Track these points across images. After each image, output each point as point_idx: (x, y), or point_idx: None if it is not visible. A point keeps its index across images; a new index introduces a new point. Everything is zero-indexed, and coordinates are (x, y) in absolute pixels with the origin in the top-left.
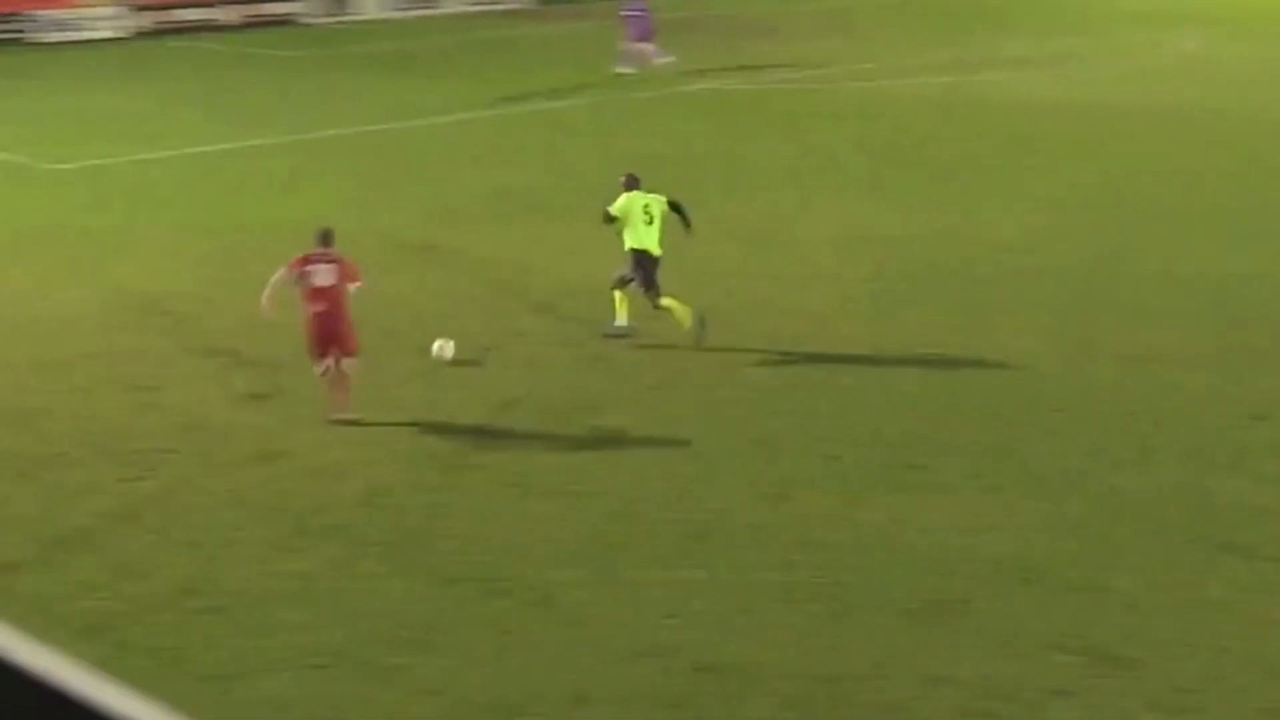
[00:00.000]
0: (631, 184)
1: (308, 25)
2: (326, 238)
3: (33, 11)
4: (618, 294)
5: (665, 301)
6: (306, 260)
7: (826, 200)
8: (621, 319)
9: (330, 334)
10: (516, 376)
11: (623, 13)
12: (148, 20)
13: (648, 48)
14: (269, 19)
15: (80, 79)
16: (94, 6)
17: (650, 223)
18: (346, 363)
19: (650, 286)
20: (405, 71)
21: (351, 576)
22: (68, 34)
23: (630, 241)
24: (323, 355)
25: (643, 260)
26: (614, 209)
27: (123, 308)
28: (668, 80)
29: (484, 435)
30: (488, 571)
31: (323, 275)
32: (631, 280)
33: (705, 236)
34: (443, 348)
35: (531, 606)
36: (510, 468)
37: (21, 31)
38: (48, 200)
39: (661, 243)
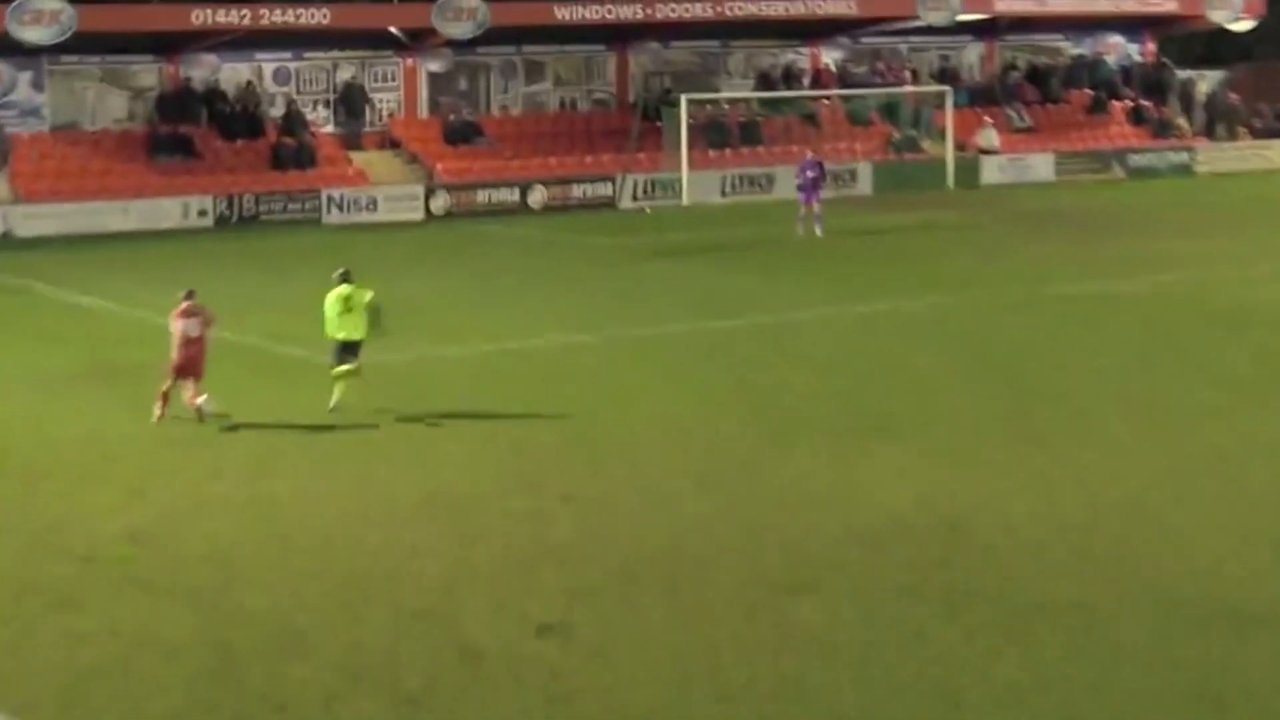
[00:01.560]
0: None
1: (629, 210)
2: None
3: (327, 189)
4: None
5: None
6: None
7: None
8: None
9: None
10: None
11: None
12: (446, 201)
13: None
14: (584, 202)
15: (370, 264)
16: (393, 184)
17: None
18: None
19: None
20: (732, 262)
21: None
22: (364, 215)
23: None
24: None
25: None
26: None
27: (411, 509)
28: (1033, 279)
29: None
30: None
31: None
32: None
33: None
34: None
35: None
36: None
37: (314, 210)
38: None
39: None
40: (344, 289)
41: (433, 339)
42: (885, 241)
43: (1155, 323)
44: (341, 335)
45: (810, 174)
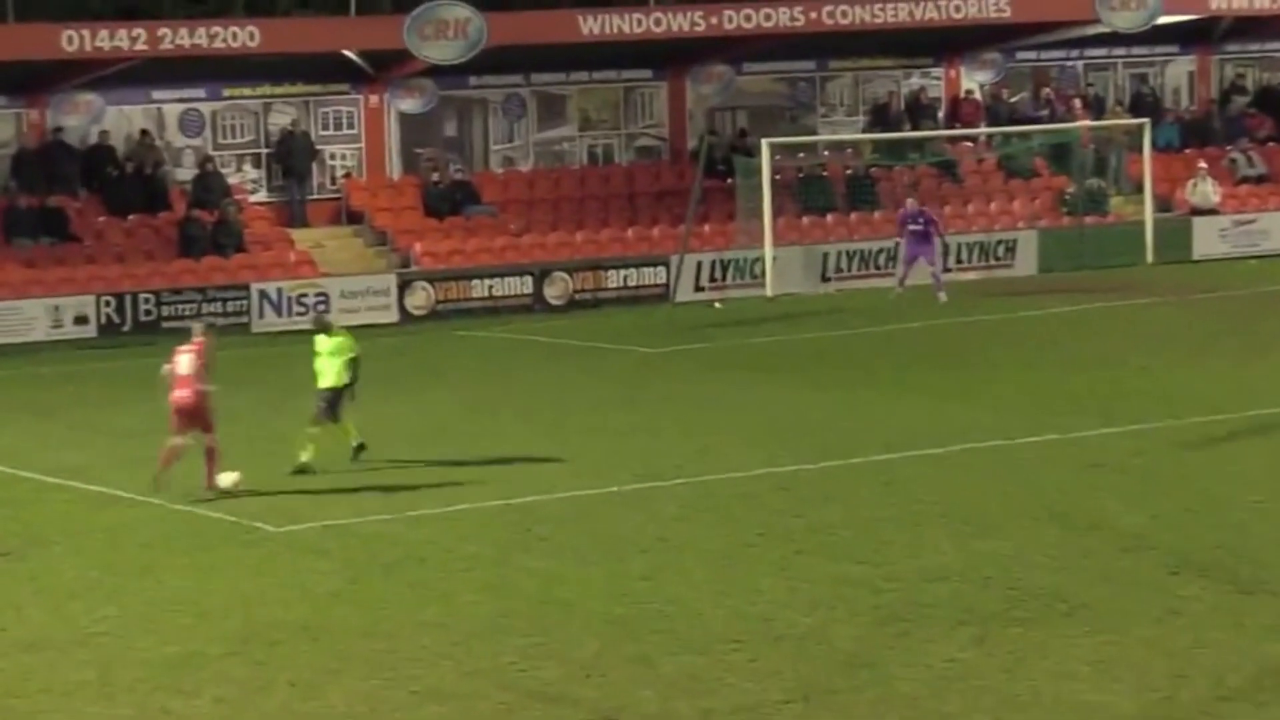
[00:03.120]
0: None
1: (690, 305)
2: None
3: (258, 283)
4: None
5: None
6: None
7: None
8: None
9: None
10: None
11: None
12: (428, 297)
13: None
14: (625, 295)
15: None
16: (352, 274)
17: None
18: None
19: None
20: (839, 374)
21: None
22: (307, 320)
23: None
24: None
25: None
26: None
27: None
28: (1265, 397)
29: None
30: None
31: None
32: None
33: None
34: None
35: None
36: None
37: (240, 313)
38: (275, 583)
39: None
40: (319, 338)
41: (405, 492)
42: (1053, 338)
43: None
44: (322, 384)
45: (913, 228)
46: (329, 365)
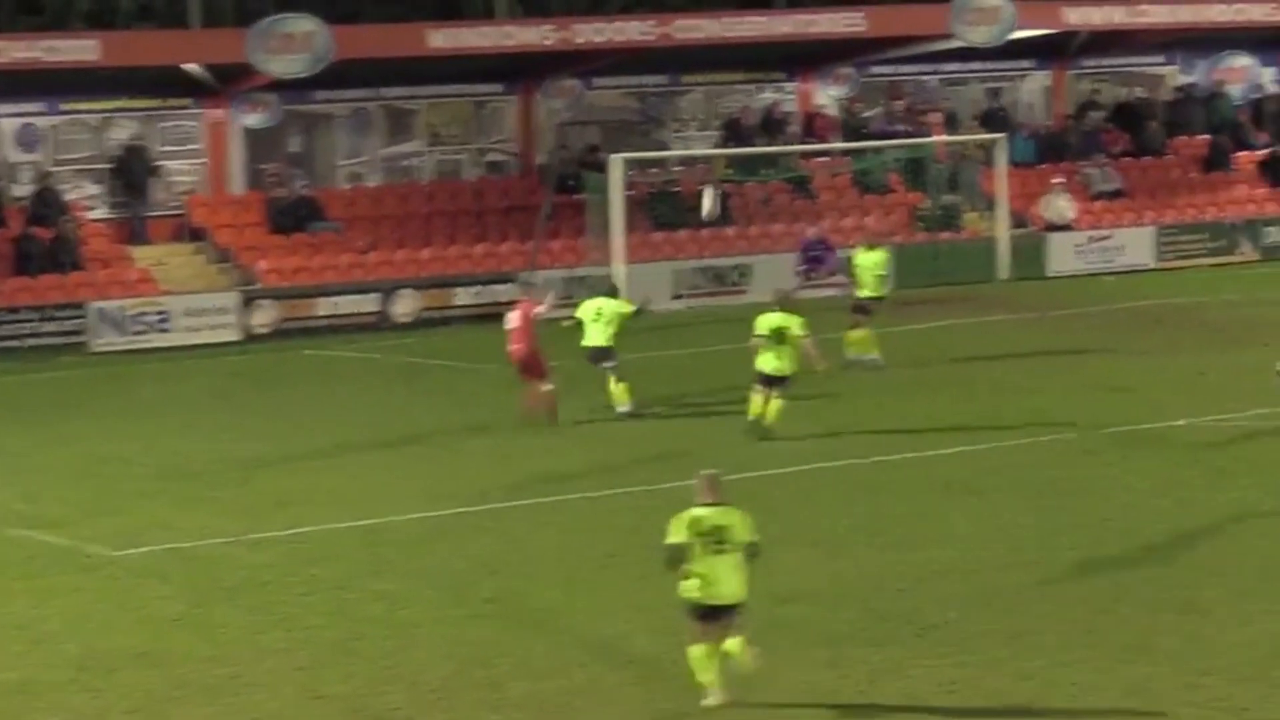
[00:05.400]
0: None
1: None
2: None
3: (96, 301)
4: None
5: None
6: None
7: None
8: None
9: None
10: None
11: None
12: (273, 315)
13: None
14: (474, 313)
15: (159, 408)
16: (194, 292)
17: None
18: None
19: None
20: (694, 392)
21: None
22: (151, 339)
23: None
24: None
25: None
26: None
27: None
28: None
29: None
30: None
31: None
32: None
33: None
34: None
35: None
36: None
37: (77, 332)
38: (113, 608)
39: None
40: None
41: (247, 514)
42: (907, 356)
43: None
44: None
45: (812, 255)
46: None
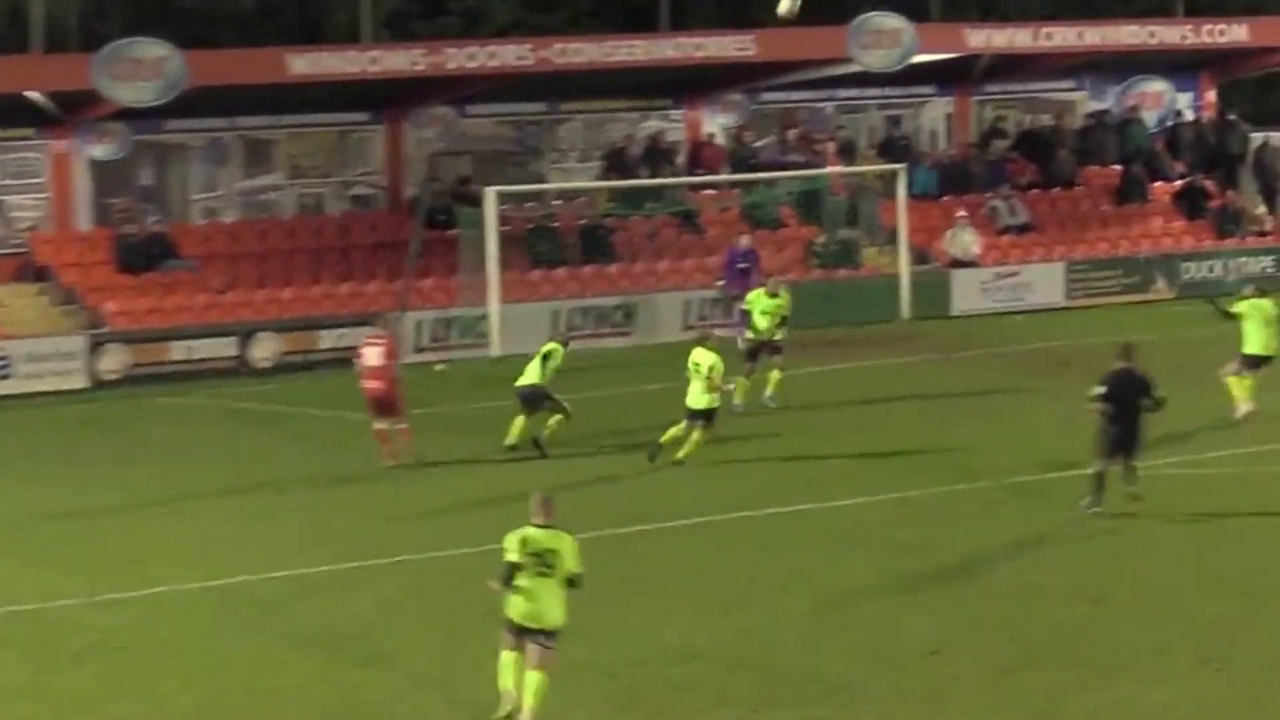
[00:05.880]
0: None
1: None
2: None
3: None
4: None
5: None
6: None
7: None
8: None
9: None
10: None
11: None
12: (123, 360)
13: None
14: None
15: None
16: (36, 335)
17: None
18: None
19: None
20: (577, 442)
21: None
22: None
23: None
24: None
25: None
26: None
27: None
28: (1025, 461)
29: None
30: None
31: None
32: None
33: None
34: None
35: None
36: None
37: None
38: None
39: None
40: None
41: (97, 574)
42: (803, 401)
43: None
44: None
45: (740, 266)
46: None
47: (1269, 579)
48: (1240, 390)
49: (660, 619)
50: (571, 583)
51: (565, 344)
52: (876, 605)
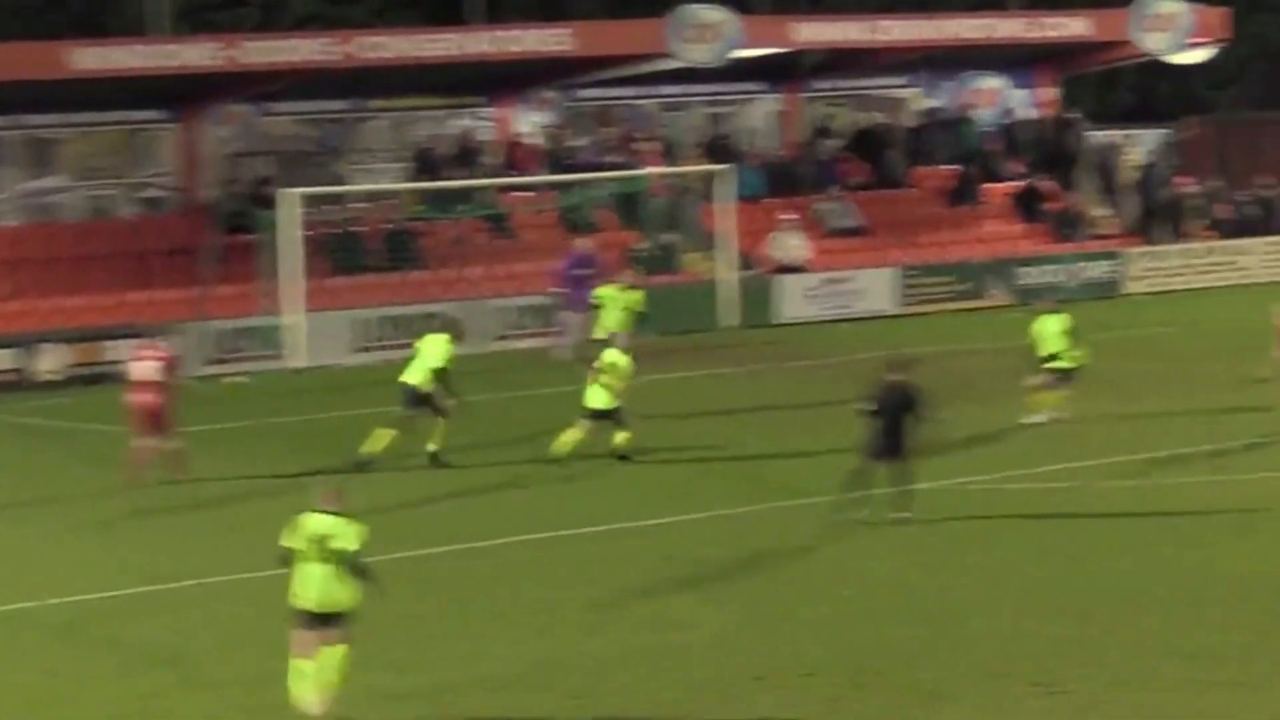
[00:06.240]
0: None
1: (205, 380)
2: None
3: None
4: None
5: None
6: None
7: None
8: None
9: None
10: None
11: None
12: None
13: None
14: (115, 371)
15: None
16: None
17: None
18: None
19: None
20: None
21: None
22: None
23: None
24: None
25: None
26: None
27: None
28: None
29: None
30: None
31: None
32: None
33: None
34: None
35: None
36: None
37: None
38: None
39: None
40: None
41: None
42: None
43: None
44: None
45: (581, 273)
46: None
47: (1106, 599)
48: (1044, 400)
49: (470, 646)
50: (353, 566)
51: (458, 336)
52: (700, 630)
